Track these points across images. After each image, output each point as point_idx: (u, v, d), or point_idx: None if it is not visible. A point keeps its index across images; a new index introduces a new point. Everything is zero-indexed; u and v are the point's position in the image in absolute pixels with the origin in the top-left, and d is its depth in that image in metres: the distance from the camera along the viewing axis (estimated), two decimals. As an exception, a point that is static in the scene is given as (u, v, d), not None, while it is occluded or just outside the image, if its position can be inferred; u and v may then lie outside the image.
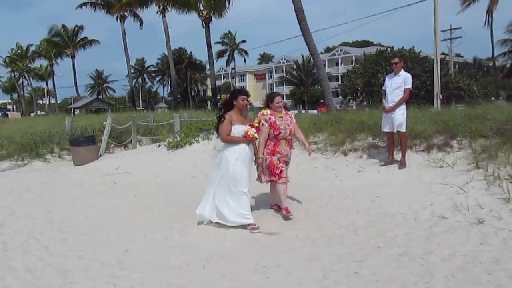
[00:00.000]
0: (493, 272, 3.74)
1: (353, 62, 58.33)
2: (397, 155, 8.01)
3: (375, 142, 8.96)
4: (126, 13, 42.40)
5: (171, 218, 6.19)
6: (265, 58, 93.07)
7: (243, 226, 5.42)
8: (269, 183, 6.05)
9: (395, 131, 7.70)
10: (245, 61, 76.01)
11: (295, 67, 66.14)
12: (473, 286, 3.53)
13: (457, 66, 59.34)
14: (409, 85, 7.62)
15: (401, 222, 5.31)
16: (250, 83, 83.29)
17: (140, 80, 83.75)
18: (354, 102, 48.66)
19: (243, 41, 73.00)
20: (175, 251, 4.81)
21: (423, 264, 4.03)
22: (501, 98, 30.76)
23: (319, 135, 10.26)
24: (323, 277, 3.88)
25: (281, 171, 5.82)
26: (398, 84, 7.62)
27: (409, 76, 7.69)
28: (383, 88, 7.97)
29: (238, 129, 5.44)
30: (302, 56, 62.39)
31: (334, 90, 55.81)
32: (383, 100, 7.88)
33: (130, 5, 40.19)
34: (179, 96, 72.52)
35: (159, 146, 12.52)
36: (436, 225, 5.09)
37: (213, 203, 5.55)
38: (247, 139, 5.46)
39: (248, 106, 5.84)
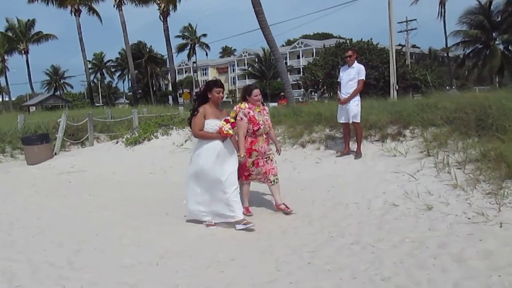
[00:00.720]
0: (439, 256, 3.88)
1: (314, 54, 58.95)
2: (354, 146, 8.16)
3: (332, 133, 9.09)
4: (80, 7, 41.07)
5: (127, 216, 6.06)
6: (227, 51, 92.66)
7: (199, 222, 5.39)
8: (268, 184, 5.75)
9: (350, 122, 7.85)
10: (206, 54, 75.47)
11: (256, 60, 66.22)
12: (420, 271, 3.64)
13: (414, 57, 60.94)
14: (363, 77, 7.77)
15: (355, 211, 5.42)
16: (212, 77, 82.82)
17: (99, 75, 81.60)
18: (315, 94, 49.30)
19: (204, 35, 72.42)
20: (128, 249, 4.71)
21: (374, 252, 4.13)
22: (453, 87, 31.88)
23: (278, 128, 10.28)
24: (275, 269, 3.91)
25: (249, 174, 5.61)
26: (352, 76, 7.76)
27: (362, 67, 7.84)
28: (338, 80, 8.09)
29: (211, 124, 5.07)
30: (263, 49, 62.50)
31: (296, 82, 56.28)
32: (338, 92, 8.00)
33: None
34: (140, 91, 71.31)
35: (117, 142, 12.25)
36: (388, 213, 5.23)
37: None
38: (220, 136, 5.09)
39: (223, 99, 5.44)
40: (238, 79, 76.09)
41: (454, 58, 48.46)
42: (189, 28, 71.01)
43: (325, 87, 47.34)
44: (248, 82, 70.86)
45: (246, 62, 71.11)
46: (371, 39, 39.01)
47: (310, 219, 5.33)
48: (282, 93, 19.58)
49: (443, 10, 40.31)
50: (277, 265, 4.00)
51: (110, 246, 4.83)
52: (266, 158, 5.67)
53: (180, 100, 57.56)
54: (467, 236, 4.27)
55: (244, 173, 5.57)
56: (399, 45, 50.88)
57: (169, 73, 50.58)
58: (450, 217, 4.81)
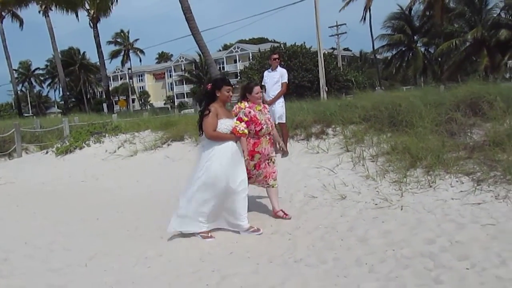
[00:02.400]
0: (346, 238, 4.35)
1: (250, 58, 59.86)
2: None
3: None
4: (3, 13, 38.99)
5: (57, 224, 6.09)
6: (163, 57, 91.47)
7: (131, 224, 5.55)
8: (266, 188, 5.42)
9: (277, 122, 8.29)
10: (140, 60, 74.10)
11: (194, 65, 66.06)
12: (328, 252, 4.08)
13: (346, 60, 63.67)
14: (286, 80, 8.25)
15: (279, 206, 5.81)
16: (149, 83, 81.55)
17: (27, 84, 77.62)
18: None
19: (137, 40, 71.05)
20: (58, 254, 4.80)
21: (290, 239, 4.54)
22: (382, 88, 33.68)
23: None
24: (200, 260, 4.19)
25: (249, 178, 5.07)
26: (276, 79, 8.22)
27: (285, 71, 8.32)
28: (263, 83, 8.51)
29: (226, 124, 4.71)
30: (199, 54, 62.41)
31: (233, 86, 56.67)
32: (264, 95, 8.42)
33: (5, 5, 37.03)
34: (73, 99, 68.67)
35: (47, 152, 11.99)
36: (307, 204, 5.68)
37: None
38: (235, 136, 4.75)
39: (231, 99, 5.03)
40: (175, 85, 75.43)
41: (383, 60, 51.22)
42: (122, 34, 69.42)
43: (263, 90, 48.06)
44: (185, 87, 70.53)
45: (183, 67, 70.67)
46: (304, 43, 40.28)
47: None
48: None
49: (368, 15, 42.45)
50: (202, 256, 4.28)
51: (39, 253, 4.88)
52: (268, 160, 5.30)
53: (117, 107, 56.16)
54: (372, 219, 4.79)
55: None
56: (332, 48, 53.15)
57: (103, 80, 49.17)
58: (360, 204, 5.34)
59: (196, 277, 3.85)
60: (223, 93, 4.74)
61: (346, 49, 71.79)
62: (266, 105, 5.48)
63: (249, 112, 5.02)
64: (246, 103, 5.09)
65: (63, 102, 51.43)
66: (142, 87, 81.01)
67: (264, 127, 5.11)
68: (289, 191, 6.32)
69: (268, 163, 5.29)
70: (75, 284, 3.97)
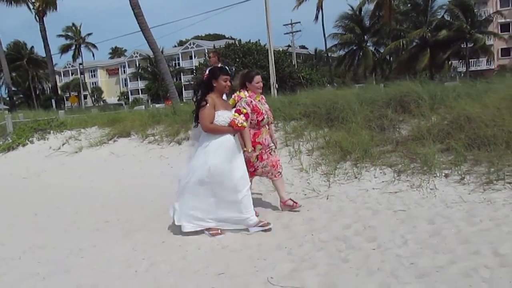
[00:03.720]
0: (272, 225, 4.65)
1: (206, 55, 59.71)
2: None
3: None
4: None
5: (-7, 220, 6.06)
6: (117, 52, 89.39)
7: (69, 218, 5.63)
8: (272, 178, 5.18)
9: (219, 118, 8.53)
10: (93, 55, 72.10)
11: (148, 61, 65.00)
12: (253, 238, 4.37)
13: (301, 57, 64.69)
14: (227, 77, 8.48)
15: (214, 197, 6.07)
16: (102, 79, 79.52)
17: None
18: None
19: (90, 34, 69.03)
20: (-9, 248, 4.83)
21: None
22: (330, 85, 34.54)
23: (157, 127, 10.70)
24: (132, 249, 4.38)
25: (255, 170, 5.01)
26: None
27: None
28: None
29: (223, 116, 4.43)
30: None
31: (189, 82, 56.40)
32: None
33: None
34: (21, 95, 65.92)
35: (-13, 150, 11.66)
36: (242, 196, 5.96)
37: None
38: (233, 129, 4.48)
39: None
40: (130, 81, 73.95)
41: (337, 58, 52.53)
42: (73, 28, 67.24)
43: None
44: (140, 83, 69.33)
45: (137, 63, 69.38)
46: (259, 40, 40.68)
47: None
48: (169, 94, 19.84)
49: (321, 14, 43.45)
50: (134, 246, 4.47)
51: (-29, 249, 4.89)
52: (269, 150, 5.13)
53: (68, 103, 54.49)
54: (299, 208, 5.13)
55: (249, 169, 4.85)
56: (288, 46, 53.90)
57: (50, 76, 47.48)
58: (291, 195, 5.65)
59: (127, 264, 4.03)
60: (220, 82, 4.46)
61: (302, 47, 72.87)
62: (263, 96, 5.22)
63: (251, 102, 4.80)
64: (246, 92, 4.85)
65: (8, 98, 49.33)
66: (95, 82, 78.91)
67: (265, 117, 4.94)
68: (227, 184, 6.58)
69: (270, 152, 5.10)
70: (8, 276, 4.05)
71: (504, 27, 44.01)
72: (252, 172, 4.97)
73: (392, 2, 39.40)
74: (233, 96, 5.01)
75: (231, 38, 61.58)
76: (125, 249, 4.43)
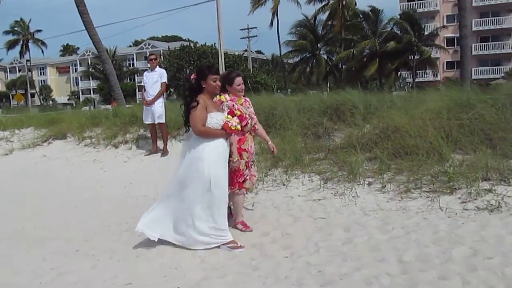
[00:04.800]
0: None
1: (161, 56, 58.95)
2: (163, 144, 8.72)
3: (145, 133, 9.54)
4: None
5: None
6: (68, 49, 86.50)
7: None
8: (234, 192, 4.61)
9: (156, 122, 8.40)
10: (42, 52, 69.42)
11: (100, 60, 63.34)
12: (170, 247, 4.29)
13: (258, 62, 65.13)
14: (165, 80, 8.40)
15: (141, 203, 5.92)
16: (51, 77, 76.59)
17: None
18: (163, 95, 49.36)
19: (39, 30, 66.42)
20: None
21: (140, 235, 4.66)
22: (281, 91, 34.94)
23: (95, 130, 10.40)
24: (42, 259, 4.19)
25: (244, 180, 4.58)
26: (155, 79, 8.33)
27: (164, 71, 8.46)
28: (142, 83, 8.58)
29: (216, 118, 4.08)
30: (107, 50, 59.99)
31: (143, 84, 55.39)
32: (144, 94, 8.49)
33: None
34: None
35: None
36: (169, 202, 5.87)
37: (170, 220, 4.22)
38: (226, 133, 4.15)
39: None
40: (81, 80, 71.70)
41: (293, 64, 53.28)
42: (21, 23, 64.46)
43: (171, 89, 47.78)
44: (92, 83, 67.36)
45: (89, 61, 67.37)
46: (214, 43, 40.61)
47: (98, 212, 5.68)
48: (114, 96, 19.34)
49: (276, 20, 44.00)
50: (45, 255, 4.29)
51: None
52: (252, 161, 4.76)
53: (13, 102, 52.12)
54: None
55: (238, 180, 4.52)
56: (245, 50, 54.11)
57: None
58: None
59: (33, 275, 3.86)
60: (209, 83, 4.10)
61: (258, 52, 73.40)
62: (248, 99, 4.80)
63: (233, 106, 4.41)
64: (227, 96, 4.46)
65: None
66: (44, 80, 75.92)
67: (249, 121, 4.56)
68: (157, 189, 6.45)
69: (251, 165, 4.72)
70: None
71: (450, 41, 46.10)
72: (241, 183, 4.56)
73: (344, 13, 40.46)
74: (214, 100, 4.47)
75: (188, 40, 61.11)
76: (34, 258, 4.24)
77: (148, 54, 63.83)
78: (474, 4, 46.32)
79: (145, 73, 8.62)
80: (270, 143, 4.98)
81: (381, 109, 8.26)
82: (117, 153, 9.00)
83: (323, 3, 43.17)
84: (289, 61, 49.67)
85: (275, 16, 43.45)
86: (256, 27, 52.44)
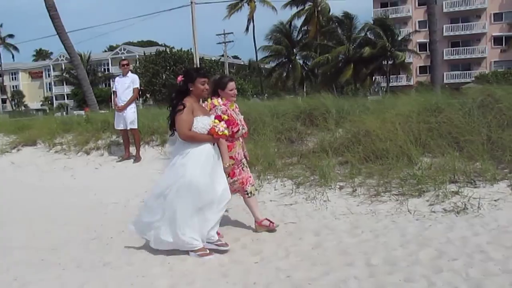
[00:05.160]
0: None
1: (137, 61, 58.42)
2: (135, 150, 8.62)
3: (118, 139, 9.41)
4: None
5: None
6: (41, 54, 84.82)
7: None
8: (243, 196, 4.71)
9: (128, 128, 8.29)
10: (13, 57, 67.86)
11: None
12: (139, 254, 4.24)
13: (234, 68, 65.15)
14: (137, 85, 8.32)
15: (111, 210, 5.85)
16: (24, 82, 74.88)
17: None
18: (138, 101, 48.99)
19: (11, 36, 64.97)
20: None
21: (108, 243, 4.62)
22: (257, 96, 35.05)
23: (66, 136, 10.22)
24: (6, 269, 4.05)
25: (247, 179, 4.61)
26: (127, 84, 8.24)
27: (136, 77, 8.38)
28: (113, 89, 8.47)
29: (202, 122, 3.94)
30: (81, 55, 59.00)
31: (114, 89, 54.73)
32: (115, 100, 8.39)
33: None
34: None
35: None
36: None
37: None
38: (213, 138, 4.01)
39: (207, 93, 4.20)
40: (54, 85, 70.32)
41: (270, 69, 53.56)
42: (-8, 27, 62.97)
43: (147, 94, 47.42)
44: (66, 88, 66.11)
45: (63, 66, 66.13)
46: (191, 49, 40.50)
47: (66, 220, 5.56)
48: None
49: (252, 26, 44.23)
50: (9, 266, 4.15)
51: None
52: (242, 165, 4.66)
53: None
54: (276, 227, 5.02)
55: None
56: (221, 55, 54.09)
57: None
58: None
59: (-6, 286, 3.74)
60: (197, 86, 3.98)
61: (235, 57, 73.44)
62: (237, 105, 4.71)
63: (226, 111, 4.26)
64: (220, 100, 4.35)
65: None
66: (16, 86, 74.17)
67: (240, 128, 4.44)
68: (128, 196, 6.38)
69: (242, 168, 4.64)
70: None
71: (422, 46, 47.06)
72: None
73: (319, 18, 40.94)
74: (204, 104, 4.43)
75: (164, 45, 60.71)
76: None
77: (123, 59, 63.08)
78: (445, 10, 47.58)
79: (117, 78, 8.52)
80: (245, 150, 4.81)
81: (353, 113, 8.37)
82: (88, 159, 8.85)
83: (299, 9, 43.61)
84: (266, 66, 49.92)
85: (251, 21, 43.68)
86: (232, 33, 52.56)
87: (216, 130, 3.94)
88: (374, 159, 6.24)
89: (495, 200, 4.85)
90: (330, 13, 42.47)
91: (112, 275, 3.79)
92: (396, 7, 49.64)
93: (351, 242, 4.19)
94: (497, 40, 46.88)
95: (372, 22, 40.02)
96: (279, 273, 3.60)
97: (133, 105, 8.28)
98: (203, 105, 4.34)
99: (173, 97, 4.07)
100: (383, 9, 48.24)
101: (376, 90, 41.91)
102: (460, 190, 5.12)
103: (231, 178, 4.49)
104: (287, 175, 6.39)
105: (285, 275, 3.57)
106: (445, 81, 44.00)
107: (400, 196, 5.25)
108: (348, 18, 38.80)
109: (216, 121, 4.02)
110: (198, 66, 22.56)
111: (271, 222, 4.63)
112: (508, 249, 3.74)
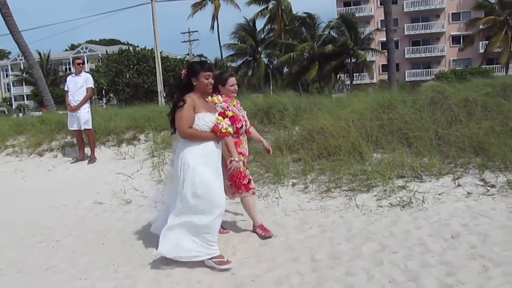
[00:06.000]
0: (110, 241, 4.47)
1: (99, 60, 57.09)
2: (90, 151, 8.43)
3: (72, 140, 9.17)
4: None
5: None
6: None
7: None
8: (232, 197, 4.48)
9: (82, 128, 8.11)
10: (-35, 57, 65.11)
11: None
12: (84, 256, 4.15)
13: (200, 67, 64.61)
14: (91, 84, 8.14)
15: (60, 213, 5.69)
16: (-21, 82, 71.98)
17: None
18: (101, 101, 47.90)
19: (-34, 34, 62.25)
20: None
21: (54, 246, 4.50)
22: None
23: (19, 138, 9.90)
24: None
25: (249, 181, 4.38)
26: (80, 84, 8.04)
27: (89, 76, 8.20)
28: (65, 89, 8.26)
29: (205, 119, 3.68)
30: (39, 53, 57.30)
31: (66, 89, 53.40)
32: (68, 100, 8.17)
33: None
34: None
35: None
36: (91, 211, 5.67)
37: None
38: (216, 136, 3.74)
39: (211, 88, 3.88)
40: (13, 86, 67.93)
41: (236, 68, 53.48)
42: None
43: (111, 94, 46.51)
44: (25, 89, 63.96)
45: (22, 66, 63.91)
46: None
47: (12, 224, 5.38)
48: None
49: (216, 24, 44.04)
50: None
51: None
52: (247, 163, 4.50)
53: None
54: (146, 221, 5.00)
55: (242, 182, 4.31)
56: (186, 54, 53.57)
57: None
58: (141, 208, 5.54)
59: None
60: (201, 80, 3.72)
61: (200, 56, 72.87)
62: (238, 101, 4.50)
63: (227, 107, 4.13)
64: (219, 97, 4.20)
65: None
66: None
67: (244, 123, 4.32)
68: (80, 198, 6.23)
69: (246, 168, 4.47)
70: None
71: (384, 45, 48.15)
72: (247, 185, 4.34)
73: (283, 17, 41.21)
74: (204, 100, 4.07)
75: (127, 44, 59.65)
76: None
77: (85, 58, 61.15)
78: (405, 10, 48.80)
79: (69, 77, 8.30)
80: (265, 143, 4.74)
81: (310, 111, 8.48)
82: (41, 161, 8.60)
83: (262, 7, 43.74)
84: (232, 65, 49.82)
85: (216, 19, 43.50)
86: (197, 31, 52.25)
87: (220, 128, 3.68)
88: (327, 155, 6.34)
89: (439, 194, 5.01)
90: (294, 12, 42.81)
91: (53, 279, 3.71)
92: (358, 6, 50.56)
93: (298, 238, 4.25)
94: (455, 39, 48.47)
95: (336, 20, 40.56)
96: (224, 271, 3.61)
97: (87, 105, 8.09)
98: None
99: (175, 93, 3.81)
100: (346, 8, 49.04)
101: (340, 88, 42.59)
102: (406, 185, 5.27)
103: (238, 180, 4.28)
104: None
105: (230, 273, 3.58)
106: (406, 79, 45.16)
107: (349, 191, 5.35)
108: (310, 18, 39.25)
109: (220, 118, 3.78)
110: (160, 64, 22.23)
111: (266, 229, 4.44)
112: (446, 241, 3.88)
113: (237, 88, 4.38)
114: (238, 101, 4.48)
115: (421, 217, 4.48)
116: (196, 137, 3.67)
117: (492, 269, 3.30)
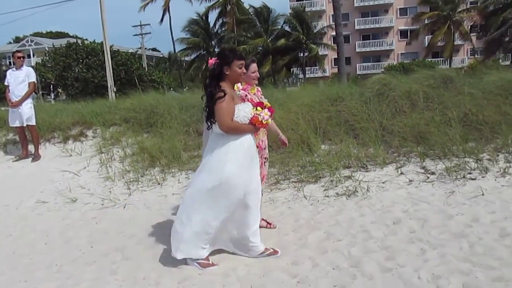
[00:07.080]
0: (52, 241, 4.33)
1: (46, 53, 54.69)
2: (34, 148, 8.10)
3: (15, 138, 8.77)
4: None
5: None
6: None
7: None
8: None
9: (25, 125, 7.76)
10: None
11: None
12: (24, 258, 3.99)
13: (154, 60, 63.44)
14: (33, 79, 7.80)
15: (0, 214, 5.44)
16: None
17: None
18: (49, 96, 46.05)
19: None
20: None
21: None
22: (171, 89, 34.52)
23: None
24: None
25: (263, 176, 4.12)
26: (21, 78, 7.69)
27: (31, 70, 7.85)
28: (5, 83, 7.87)
29: (244, 111, 3.41)
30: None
31: (6, 83, 51.01)
32: (8, 95, 7.80)
33: None
34: None
35: None
36: (34, 210, 5.46)
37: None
38: (254, 128, 3.50)
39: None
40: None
41: (190, 62, 52.82)
42: None
43: (59, 89, 44.75)
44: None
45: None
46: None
47: None
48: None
49: (168, 17, 43.26)
50: None
51: None
52: (265, 158, 4.20)
53: None
54: (90, 219, 4.90)
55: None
56: (139, 48, 52.33)
57: None
58: (87, 206, 5.39)
59: None
60: (234, 69, 3.43)
61: (154, 50, 71.49)
62: (259, 88, 4.17)
63: (246, 96, 3.86)
64: (239, 84, 3.89)
65: None
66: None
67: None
68: (22, 197, 5.99)
69: (264, 162, 4.17)
70: None
71: (335, 39, 49.21)
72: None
73: (234, 10, 41.10)
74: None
75: (76, 37, 57.49)
76: None
77: (31, 51, 58.46)
78: (356, 5, 49.91)
79: (9, 71, 7.90)
80: (281, 135, 4.47)
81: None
82: (-22, 161, 8.16)
83: (213, 2, 43.36)
84: (186, 59, 49.20)
85: (167, 12, 42.71)
86: (149, 24, 51.16)
87: (260, 119, 3.43)
88: (277, 148, 6.40)
89: (383, 182, 5.19)
90: (246, 5, 42.76)
91: (-9, 281, 3.55)
92: (311, 1, 51.21)
93: (246, 230, 4.26)
94: (403, 33, 50.09)
95: (289, 14, 40.93)
96: (171, 267, 3.58)
97: (29, 101, 7.74)
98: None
99: (207, 84, 3.44)
100: (299, 2, 49.50)
101: (294, 81, 43.09)
102: (352, 175, 5.42)
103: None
104: (192, 167, 6.34)
105: (176, 268, 3.55)
106: (358, 72, 46.28)
107: (298, 183, 5.44)
108: (264, 10, 39.39)
109: (259, 108, 3.48)
110: (109, 58, 21.61)
111: (268, 223, 4.36)
112: (388, 227, 4.03)
113: (258, 75, 4.09)
114: (258, 88, 4.17)
115: (365, 205, 4.62)
116: (238, 130, 3.41)
117: (429, 251, 3.46)
